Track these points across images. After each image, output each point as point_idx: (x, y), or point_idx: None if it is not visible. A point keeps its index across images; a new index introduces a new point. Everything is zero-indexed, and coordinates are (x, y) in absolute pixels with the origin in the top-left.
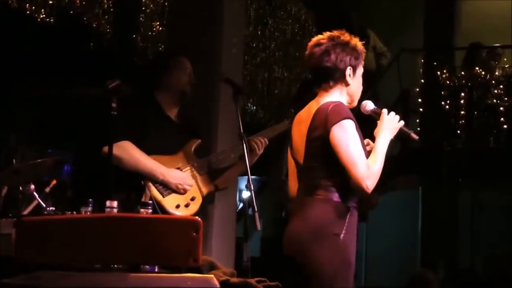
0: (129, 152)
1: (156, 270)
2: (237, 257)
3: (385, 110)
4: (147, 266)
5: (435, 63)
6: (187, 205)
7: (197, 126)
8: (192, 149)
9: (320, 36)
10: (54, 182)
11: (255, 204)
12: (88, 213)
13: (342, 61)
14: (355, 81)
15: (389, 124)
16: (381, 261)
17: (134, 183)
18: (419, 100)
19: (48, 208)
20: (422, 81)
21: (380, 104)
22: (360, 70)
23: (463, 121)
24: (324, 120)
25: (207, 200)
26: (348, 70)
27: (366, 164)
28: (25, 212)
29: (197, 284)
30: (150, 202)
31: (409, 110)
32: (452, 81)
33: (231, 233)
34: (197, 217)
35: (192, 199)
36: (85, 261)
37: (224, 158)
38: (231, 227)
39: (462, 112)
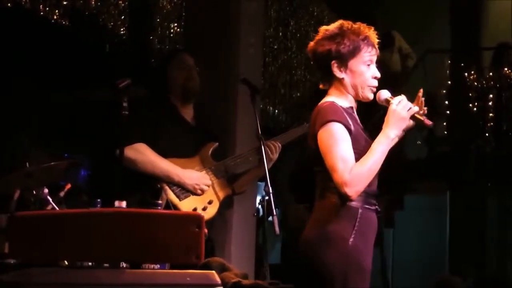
0: (144, 154)
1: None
2: (257, 264)
3: (395, 100)
4: (157, 265)
5: (462, 64)
6: (204, 209)
7: (213, 129)
8: (209, 152)
9: None
10: (68, 186)
11: (274, 208)
12: None
13: (322, 56)
14: (349, 73)
15: (395, 116)
16: (409, 266)
17: (149, 185)
18: (446, 102)
19: None
20: (449, 82)
21: None
22: (358, 60)
23: (491, 123)
24: (315, 122)
25: (225, 205)
26: (334, 64)
27: (347, 168)
28: None
29: (196, 280)
30: (160, 202)
31: (436, 113)
32: (479, 83)
33: (251, 239)
34: (198, 212)
35: (210, 202)
36: (82, 257)
37: (242, 162)
38: (251, 232)
39: (490, 114)
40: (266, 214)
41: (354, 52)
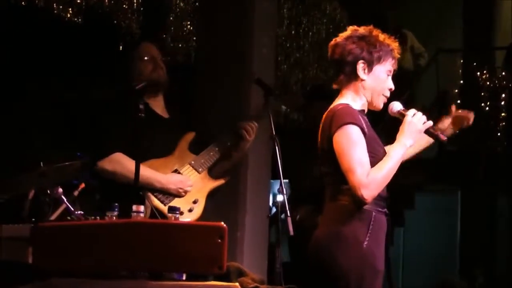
0: (121, 164)
1: (184, 277)
2: (270, 263)
3: (410, 112)
4: (175, 274)
5: (474, 64)
6: (190, 210)
7: (187, 117)
8: (187, 145)
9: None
10: (82, 185)
11: (287, 208)
12: (114, 218)
13: (350, 54)
14: (372, 77)
15: (411, 128)
16: (419, 266)
17: (132, 194)
18: (458, 101)
19: (76, 212)
20: (461, 82)
21: (416, 106)
22: (383, 67)
23: (503, 123)
24: (330, 124)
25: (213, 195)
26: (361, 64)
27: (365, 171)
28: (53, 216)
29: None
30: (142, 209)
31: (448, 112)
32: (492, 82)
33: (263, 239)
34: (221, 222)
35: (195, 201)
36: (106, 268)
37: (220, 148)
38: (263, 232)
39: (503, 114)
40: (280, 214)
41: (382, 58)
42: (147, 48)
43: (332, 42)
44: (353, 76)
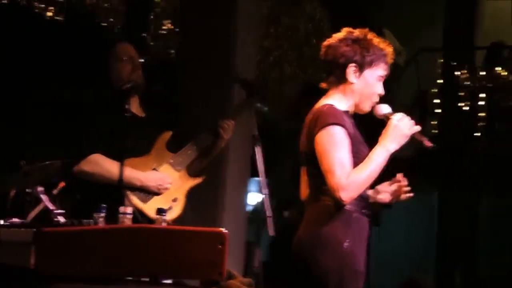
0: (100, 165)
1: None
2: (247, 262)
3: (396, 116)
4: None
5: (454, 63)
6: (170, 208)
7: (163, 116)
8: (164, 144)
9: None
10: (62, 184)
11: (268, 208)
12: (101, 219)
13: (343, 56)
14: (362, 81)
15: (396, 132)
16: (394, 266)
17: (111, 194)
18: (437, 101)
19: (55, 211)
20: (441, 81)
21: (395, 105)
22: (373, 72)
23: (483, 123)
24: (314, 124)
25: (192, 193)
26: (352, 67)
27: (345, 173)
28: (33, 215)
29: None
30: (129, 211)
31: (427, 112)
32: (472, 82)
33: (241, 237)
34: (223, 229)
35: (174, 200)
36: (108, 273)
37: (198, 146)
38: (241, 231)
39: (482, 114)
40: (260, 214)
41: (374, 63)
42: (124, 48)
43: (326, 43)
44: (343, 79)
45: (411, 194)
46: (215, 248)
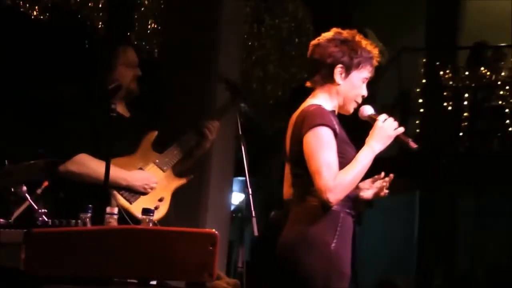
0: (85, 165)
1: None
2: (229, 261)
3: (381, 117)
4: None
5: (437, 63)
6: (156, 208)
7: (148, 115)
8: (150, 144)
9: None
10: (45, 183)
11: (252, 208)
12: (87, 219)
13: (330, 56)
14: (348, 83)
15: (381, 133)
16: (375, 265)
17: (97, 194)
18: (420, 100)
19: (39, 210)
20: (424, 81)
21: (377, 105)
22: (360, 74)
23: (466, 123)
24: (301, 124)
25: (175, 193)
26: (339, 68)
27: (332, 174)
28: (16, 214)
29: None
30: (116, 211)
31: (409, 111)
32: (455, 82)
33: (224, 237)
34: (213, 230)
35: (161, 199)
36: (96, 274)
37: (183, 146)
38: (224, 231)
39: (465, 114)
40: (245, 215)
41: (361, 65)
42: (133, 54)
43: (314, 42)
44: (329, 79)
45: (388, 191)
46: (205, 249)
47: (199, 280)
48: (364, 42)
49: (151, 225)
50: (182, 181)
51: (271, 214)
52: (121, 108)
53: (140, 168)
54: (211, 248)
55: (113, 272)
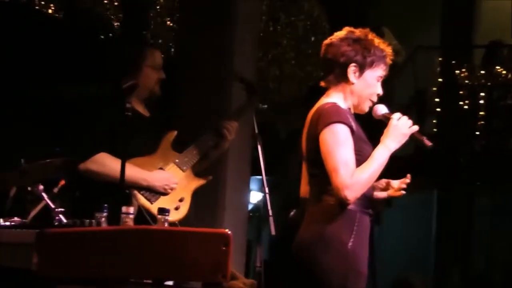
0: (105, 165)
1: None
2: (248, 260)
3: (395, 115)
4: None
5: (453, 62)
6: (177, 208)
7: (168, 115)
8: (170, 144)
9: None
10: (62, 182)
11: (269, 207)
12: (103, 219)
13: (344, 55)
14: (362, 82)
15: (396, 131)
16: (394, 264)
17: (118, 193)
18: (436, 100)
19: (56, 209)
20: (440, 80)
21: (394, 104)
22: (373, 72)
23: (482, 122)
24: (316, 122)
25: (195, 194)
26: (352, 67)
27: (349, 172)
28: (33, 213)
29: None
30: (131, 211)
31: (425, 110)
32: (471, 80)
33: (242, 236)
34: (226, 230)
35: (181, 200)
36: (109, 274)
37: (202, 147)
38: (242, 231)
39: (481, 113)
40: (262, 214)
41: (375, 63)
42: (159, 58)
43: (327, 41)
44: (343, 78)
45: (403, 192)
46: (219, 250)
47: (213, 281)
48: (377, 41)
49: (166, 224)
50: (201, 181)
51: (291, 213)
52: (141, 108)
53: (161, 168)
54: (224, 248)
55: (126, 272)
